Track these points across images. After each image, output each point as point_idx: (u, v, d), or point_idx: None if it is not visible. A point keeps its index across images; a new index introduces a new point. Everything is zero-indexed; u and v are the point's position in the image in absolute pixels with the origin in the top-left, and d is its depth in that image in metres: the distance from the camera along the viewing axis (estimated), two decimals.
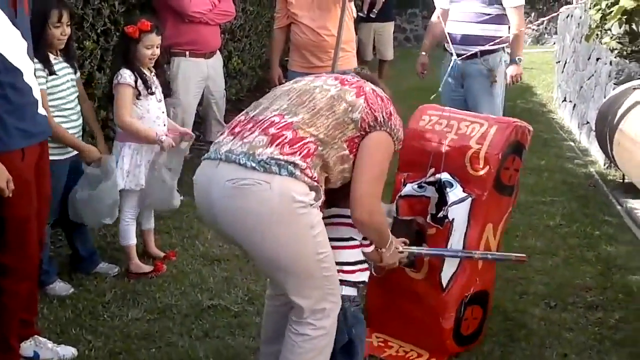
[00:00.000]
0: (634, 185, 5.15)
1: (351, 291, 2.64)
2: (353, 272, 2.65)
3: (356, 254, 2.67)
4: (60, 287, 3.75)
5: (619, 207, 5.15)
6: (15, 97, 2.73)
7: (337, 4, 4.96)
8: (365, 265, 2.71)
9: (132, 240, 4.03)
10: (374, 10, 9.32)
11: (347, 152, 2.43)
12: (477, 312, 3.18)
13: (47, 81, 3.46)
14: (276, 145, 2.33)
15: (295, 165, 2.30)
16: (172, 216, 4.77)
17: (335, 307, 2.49)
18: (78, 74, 3.80)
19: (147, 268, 4.01)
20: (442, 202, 3.07)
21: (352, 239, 2.64)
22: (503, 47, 4.93)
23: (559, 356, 3.17)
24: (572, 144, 7.20)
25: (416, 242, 3.05)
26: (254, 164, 2.31)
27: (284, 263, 2.39)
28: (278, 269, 2.44)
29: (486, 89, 4.92)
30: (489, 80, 4.89)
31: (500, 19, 4.86)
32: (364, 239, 2.65)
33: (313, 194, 2.34)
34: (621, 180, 5.69)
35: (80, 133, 3.75)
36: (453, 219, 3.03)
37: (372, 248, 2.67)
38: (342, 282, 2.58)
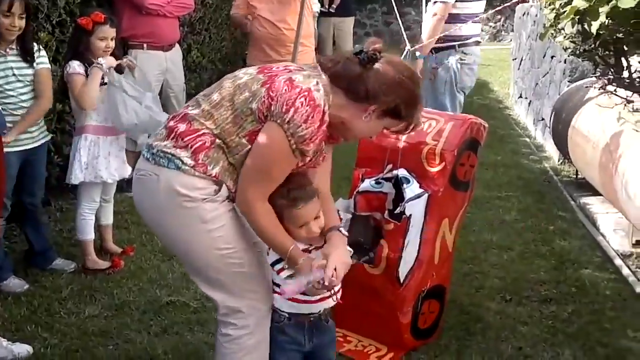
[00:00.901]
0: (587, 181, 5.27)
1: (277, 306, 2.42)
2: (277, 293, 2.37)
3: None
4: (15, 284, 3.69)
5: (572, 203, 5.26)
6: None
7: None
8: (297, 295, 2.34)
9: (90, 235, 3.98)
10: (333, 5, 9.35)
11: (250, 147, 2.25)
12: (434, 306, 3.22)
13: None
14: (171, 138, 2.30)
15: (182, 160, 2.25)
16: (130, 211, 4.72)
17: (260, 305, 2.38)
18: (42, 66, 3.70)
19: (104, 264, 3.97)
20: (399, 198, 3.10)
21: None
22: (455, 46, 4.99)
23: (514, 349, 3.23)
24: (527, 140, 7.32)
25: (374, 238, 3.08)
26: (148, 156, 2.33)
27: (183, 256, 2.42)
28: (184, 262, 2.48)
29: (428, 85, 5.02)
30: (429, 77, 5.01)
31: (448, 17, 4.93)
32: (277, 262, 2.36)
33: (209, 189, 2.26)
34: (575, 177, 5.81)
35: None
36: (410, 215, 3.06)
37: (286, 273, 2.34)
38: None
